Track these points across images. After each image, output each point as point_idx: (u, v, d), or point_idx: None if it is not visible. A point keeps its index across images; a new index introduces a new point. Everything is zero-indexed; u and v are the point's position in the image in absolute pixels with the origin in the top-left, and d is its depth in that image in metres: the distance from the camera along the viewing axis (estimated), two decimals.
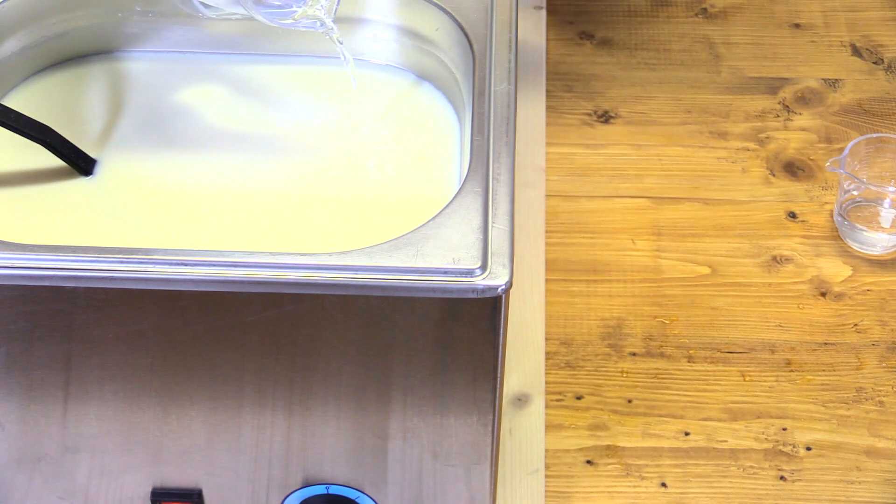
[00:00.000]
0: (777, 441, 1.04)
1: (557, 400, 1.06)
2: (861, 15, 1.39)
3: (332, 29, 0.89)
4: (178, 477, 0.90)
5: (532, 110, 1.25)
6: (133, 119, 0.95)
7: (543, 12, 1.35)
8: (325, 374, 0.83)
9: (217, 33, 0.99)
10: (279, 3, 0.88)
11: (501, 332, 0.81)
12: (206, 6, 0.89)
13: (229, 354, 0.83)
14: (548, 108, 1.28)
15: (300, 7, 0.87)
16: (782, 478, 1.02)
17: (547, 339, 1.09)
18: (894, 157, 1.17)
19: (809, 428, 1.05)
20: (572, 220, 1.19)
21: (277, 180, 0.92)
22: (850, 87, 1.31)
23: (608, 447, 1.03)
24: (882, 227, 1.17)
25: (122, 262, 0.78)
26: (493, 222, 0.80)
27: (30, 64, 0.98)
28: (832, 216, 1.19)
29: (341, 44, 0.90)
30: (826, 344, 1.10)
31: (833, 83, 1.32)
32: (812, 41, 1.36)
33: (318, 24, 0.88)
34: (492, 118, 0.87)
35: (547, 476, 1.00)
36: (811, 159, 1.24)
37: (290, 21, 0.87)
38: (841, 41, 1.36)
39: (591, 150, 1.25)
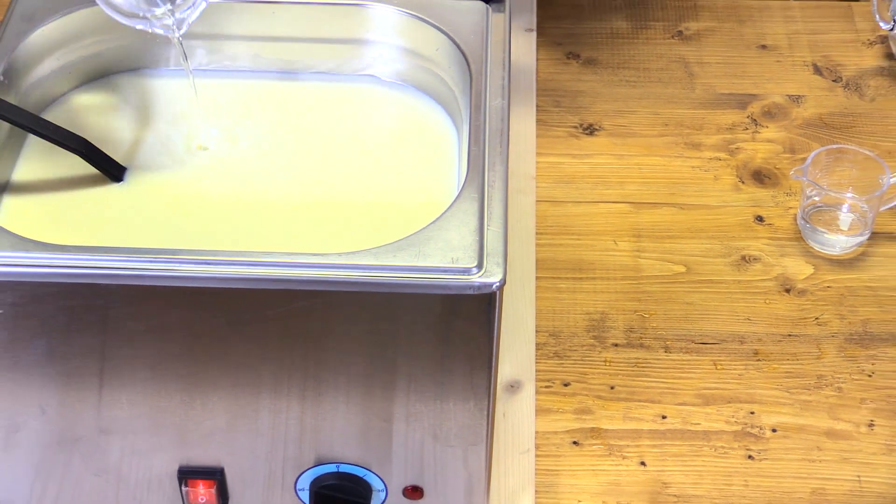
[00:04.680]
0: (745, 424, 1.04)
1: (546, 386, 1.06)
2: (821, 37, 1.39)
3: (178, 36, 0.89)
4: (201, 456, 0.90)
5: (523, 123, 1.25)
6: (159, 130, 0.95)
7: (534, 34, 1.35)
8: (336, 364, 0.83)
9: (235, 54, 0.99)
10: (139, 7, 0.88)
11: (496, 325, 0.81)
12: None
13: (248, 345, 0.82)
14: (538, 121, 1.28)
15: (156, 11, 0.87)
16: (750, 457, 1.02)
17: (537, 332, 1.09)
18: (852, 166, 1.17)
19: (775, 412, 1.05)
20: (560, 224, 1.19)
21: (292, 186, 0.92)
22: (811, 103, 1.31)
23: (592, 429, 1.03)
24: (841, 230, 1.17)
25: (150, 262, 0.78)
26: (488, 225, 0.80)
27: (67, 81, 0.97)
28: (796, 220, 1.19)
29: (185, 59, 0.91)
30: (790, 336, 1.10)
31: (796, 99, 1.32)
32: (777, 61, 1.36)
33: (171, 30, 0.88)
34: (487, 130, 0.87)
35: (537, 456, 1.00)
36: (777, 168, 1.24)
37: (145, 23, 0.88)
38: (803, 61, 1.36)
39: (578, 159, 1.25)
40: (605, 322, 1.11)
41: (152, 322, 0.81)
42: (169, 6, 0.87)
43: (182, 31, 0.88)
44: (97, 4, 0.87)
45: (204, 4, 0.88)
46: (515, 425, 1.01)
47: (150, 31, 0.88)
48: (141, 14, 0.87)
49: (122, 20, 0.87)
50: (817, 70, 1.35)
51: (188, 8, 0.88)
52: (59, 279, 0.79)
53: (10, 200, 0.89)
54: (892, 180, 1.15)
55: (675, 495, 0.99)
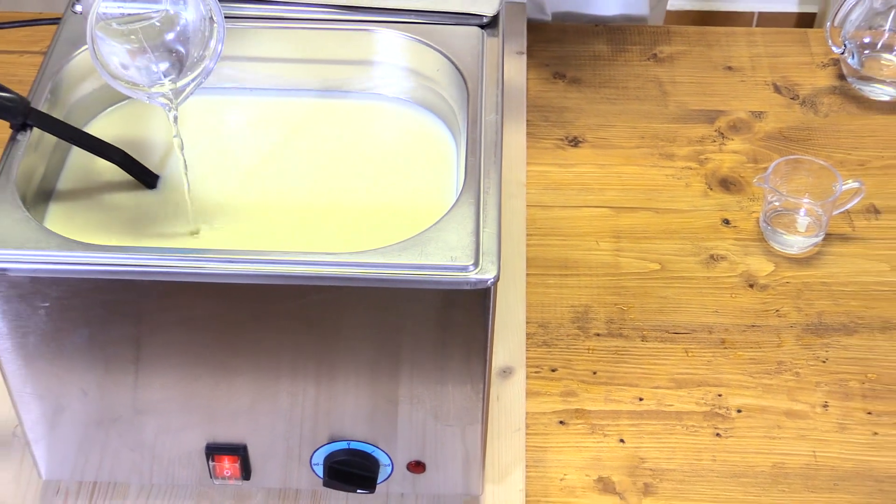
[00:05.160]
0: (713, 405, 1.03)
1: (536, 372, 1.06)
2: (780, 60, 1.39)
3: (174, 111, 0.85)
4: (227, 434, 0.90)
5: (515, 136, 1.25)
6: (188, 142, 0.95)
7: (524, 57, 1.35)
8: (346, 351, 0.83)
9: (256, 74, 0.99)
10: (141, 78, 0.84)
11: (490, 316, 0.81)
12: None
13: (268, 335, 0.82)
14: (528, 134, 1.27)
15: (155, 84, 0.84)
16: (718, 434, 1.01)
17: (527, 322, 1.09)
18: (808, 175, 1.17)
19: (740, 394, 1.04)
20: (548, 226, 1.19)
21: (307, 192, 0.92)
22: (772, 118, 1.31)
23: (577, 410, 1.03)
24: (798, 231, 1.17)
25: (180, 260, 0.78)
26: (483, 227, 0.80)
27: (106, 99, 0.97)
28: (758, 222, 1.19)
29: (176, 135, 0.88)
30: (753, 326, 1.10)
31: (758, 115, 1.32)
32: (741, 81, 1.36)
33: (168, 104, 0.85)
34: (482, 142, 0.86)
35: (527, 434, 1.00)
36: (741, 176, 1.24)
37: (144, 94, 0.84)
38: (765, 81, 1.36)
39: (563, 168, 1.25)
40: (588, 314, 1.11)
41: (182, 314, 0.81)
42: (171, 79, 0.84)
43: (179, 102, 0.85)
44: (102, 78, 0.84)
45: (202, 80, 0.85)
46: (508, 407, 1.01)
47: (147, 101, 0.86)
48: (143, 86, 0.84)
49: (123, 90, 0.84)
50: (777, 89, 1.35)
51: (189, 83, 0.85)
52: (98, 276, 0.79)
53: (56, 205, 0.89)
54: (844, 187, 1.15)
55: (650, 469, 0.99)
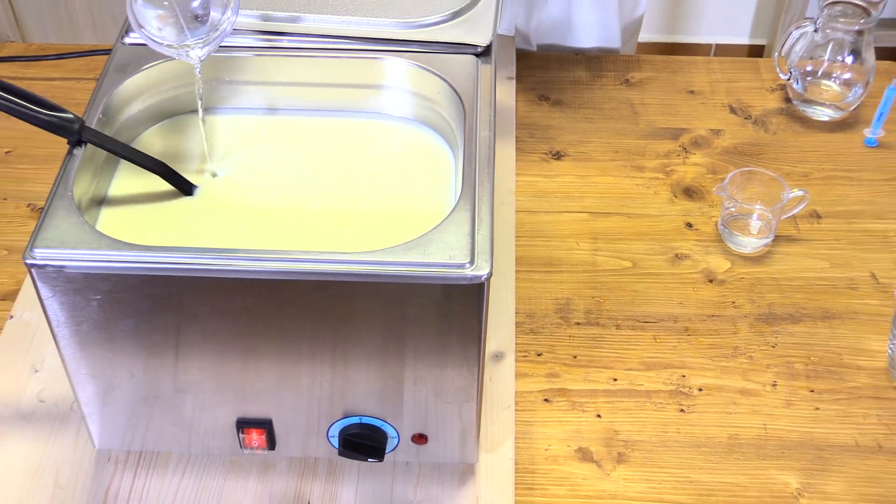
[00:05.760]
0: (678, 385, 1.03)
1: (524, 356, 1.05)
2: (735, 85, 1.38)
3: (197, 67, 0.90)
4: (255, 410, 0.90)
5: (505, 150, 1.25)
6: (221, 156, 0.95)
7: (514, 81, 1.35)
8: (358, 338, 0.83)
9: (279, 96, 0.98)
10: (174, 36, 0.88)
11: (484, 307, 0.80)
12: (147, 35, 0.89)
13: (291, 324, 0.82)
14: (516, 149, 1.27)
15: (183, 43, 0.88)
16: (682, 410, 1.01)
17: (516, 313, 1.09)
18: (760, 184, 1.17)
19: (701, 375, 1.04)
20: (534, 229, 1.18)
21: (323, 200, 0.91)
22: (728, 135, 1.31)
23: (559, 389, 1.03)
24: (751, 234, 1.17)
25: (215, 259, 0.78)
26: (478, 230, 0.80)
27: (151, 118, 0.97)
28: (717, 226, 1.19)
29: (199, 89, 0.91)
30: (713, 316, 1.10)
31: (717, 132, 1.31)
32: (702, 103, 1.36)
33: (193, 59, 0.89)
34: (477, 156, 0.86)
35: (516, 410, 1.00)
36: (702, 185, 1.24)
37: (174, 52, 0.88)
38: (722, 103, 1.36)
39: (548, 178, 1.25)
40: (569, 305, 1.11)
41: (216, 306, 0.81)
42: (196, 40, 0.88)
43: (202, 57, 0.89)
44: (148, 45, 0.88)
45: (221, 40, 0.89)
46: (499, 386, 1.00)
47: (176, 57, 0.89)
48: (173, 45, 0.88)
49: (156, 48, 0.87)
50: (732, 110, 1.35)
51: (210, 42, 0.88)
52: (143, 272, 0.78)
53: (107, 211, 0.89)
54: (790, 195, 1.15)
55: (623, 440, 0.99)
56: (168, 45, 0.87)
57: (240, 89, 0.98)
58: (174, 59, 0.91)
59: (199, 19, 0.88)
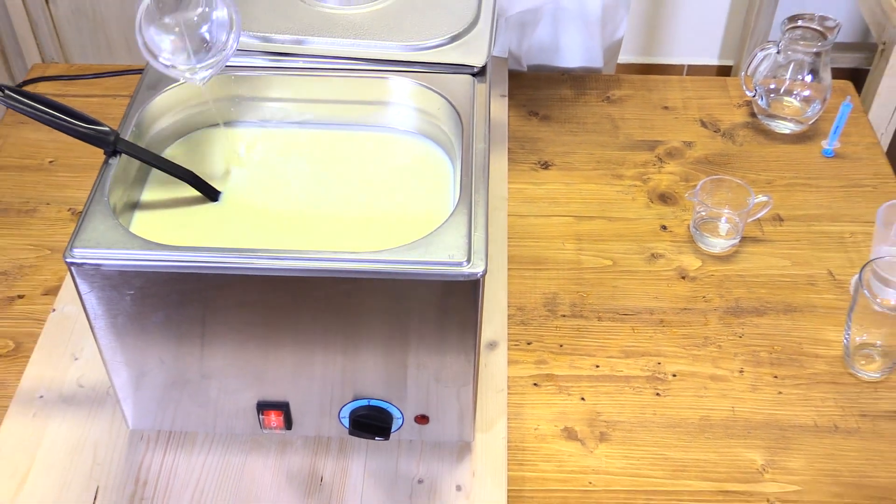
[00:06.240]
0: (654, 371, 1.03)
1: (515, 344, 1.05)
2: (705, 101, 1.38)
3: (201, 86, 0.88)
4: (273, 394, 0.89)
5: (499, 161, 1.24)
6: (243, 165, 0.95)
7: (506, 99, 1.34)
8: (367, 329, 0.83)
9: (294, 111, 0.98)
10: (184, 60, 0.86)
11: (480, 301, 0.80)
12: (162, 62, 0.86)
13: (306, 316, 0.82)
14: (508, 159, 1.27)
15: (188, 66, 0.86)
16: (657, 394, 1.01)
17: (508, 306, 1.08)
18: (728, 191, 1.16)
19: (674, 362, 1.03)
20: (524, 231, 1.18)
21: (335, 205, 0.91)
22: (699, 147, 1.30)
23: (547, 375, 1.02)
24: (720, 235, 1.16)
25: (236, 258, 0.78)
26: (474, 232, 0.80)
27: (179, 131, 0.96)
28: (689, 228, 1.18)
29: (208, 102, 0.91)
30: (685, 309, 1.09)
31: (689, 144, 1.31)
32: (675, 118, 1.35)
33: (193, 80, 0.87)
34: (473, 165, 0.86)
35: (508, 394, 0.99)
36: (676, 192, 1.23)
37: (178, 73, 0.86)
38: (693, 118, 1.35)
39: (537, 186, 1.24)
40: (556, 300, 1.10)
41: (238, 300, 0.81)
42: (199, 63, 0.86)
43: (204, 80, 0.87)
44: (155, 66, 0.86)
45: (223, 65, 0.87)
46: (493, 372, 1.00)
47: (180, 79, 0.88)
48: (178, 66, 0.86)
49: (161, 69, 0.86)
50: (703, 124, 1.34)
51: (213, 66, 0.87)
52: (172, 270, 0.78)
53: (139, 215, 0.89)
54: (756, 201, 1.15)
55: (605, 421, 0.98)
56: (174, 68, 0.86)
57: (260, 105, 0.97)
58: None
59: (204, 45, 0.86)
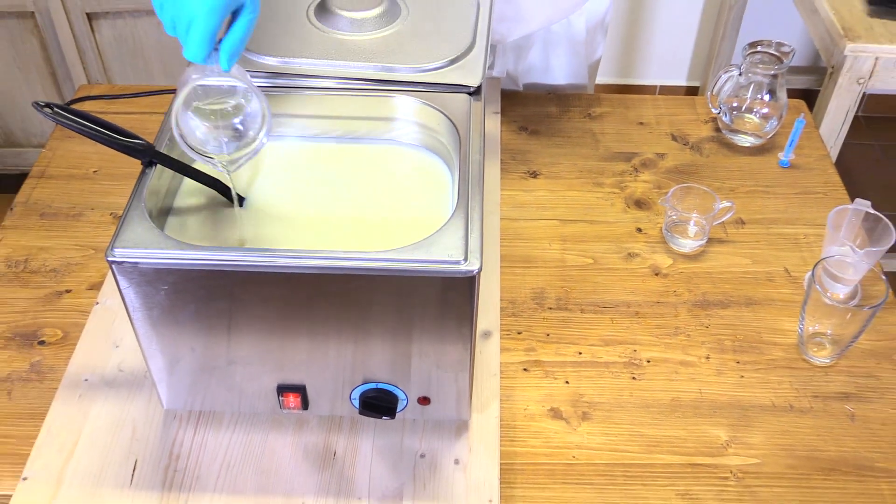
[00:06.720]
0: (631, 357, 1.02)
1: (507, 334, 1.05)
2: (676, 118, 1.37)
3: (226, 171, 0.83)
4: (292, 378, 0.89)
5: (492, 170, 1.24)
6: (264, 175, 0.94)
7: (499, 115, 1.34)
8: (375, 320, 0.82)
9: (312, 128, 0.98)
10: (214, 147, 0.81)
11: (475, 295, 0.80)
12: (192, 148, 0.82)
13: (320, 309, 0.82)
14: (501, 169, 1.26)
15: (219, 154, 0.81)
16: (633, 378, 1.00)
17: (501, 300, 1.08)
18: (696, 197, 1.16)
19: (649, 350, 1.03)
20: (515, 233, 1.18)
21: (345, 210, 0.91)
22: (671, 158, 1.30)
23: (535, 361, 1.02)
24: (689, 237, 1.16)
25: (260, 257, 0.78)
26: (471, 234, 0.80)
27: None
28: (662, 230, 1.18)
29: (234, 191, 0.86)
30: (658, 302, 1.09)
31: (661, 156, 1.30)
32: (650, 132, 1.35)
33: (224, 169, 0.83)
34: (470, 175, 0.86)
35: (501, 378, 0.99)
36: (650, 198, 1.23)
37: (209, 161, 0.81)
38: (665, 132, 1.35)
39: (526, 193, 1.24)
40: (543, 294, 1.10)
41: (260, 295, 0.80)
42: (231, 152, 0.82)
43: (234, 169, 0.83)
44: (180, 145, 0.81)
45: (253, 156, 0.82)
46: (487, 358, 1.00)
47: (211, 167, 0.83)
48: (210, 154, 0.82)
49: (193, 156, 0.81)
50: (674, 138, 1.34)
51: (244, 156, 0.82)
52: (202, 268, 0.78)
53: (173, 218, 0.88)
54: (720, 206, 1.14)
55: (587, 402, 0.98)
56: (203, 154, 0.81)
57: (281, 121, 0.97)
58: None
59: (235, 135, 0.82)
